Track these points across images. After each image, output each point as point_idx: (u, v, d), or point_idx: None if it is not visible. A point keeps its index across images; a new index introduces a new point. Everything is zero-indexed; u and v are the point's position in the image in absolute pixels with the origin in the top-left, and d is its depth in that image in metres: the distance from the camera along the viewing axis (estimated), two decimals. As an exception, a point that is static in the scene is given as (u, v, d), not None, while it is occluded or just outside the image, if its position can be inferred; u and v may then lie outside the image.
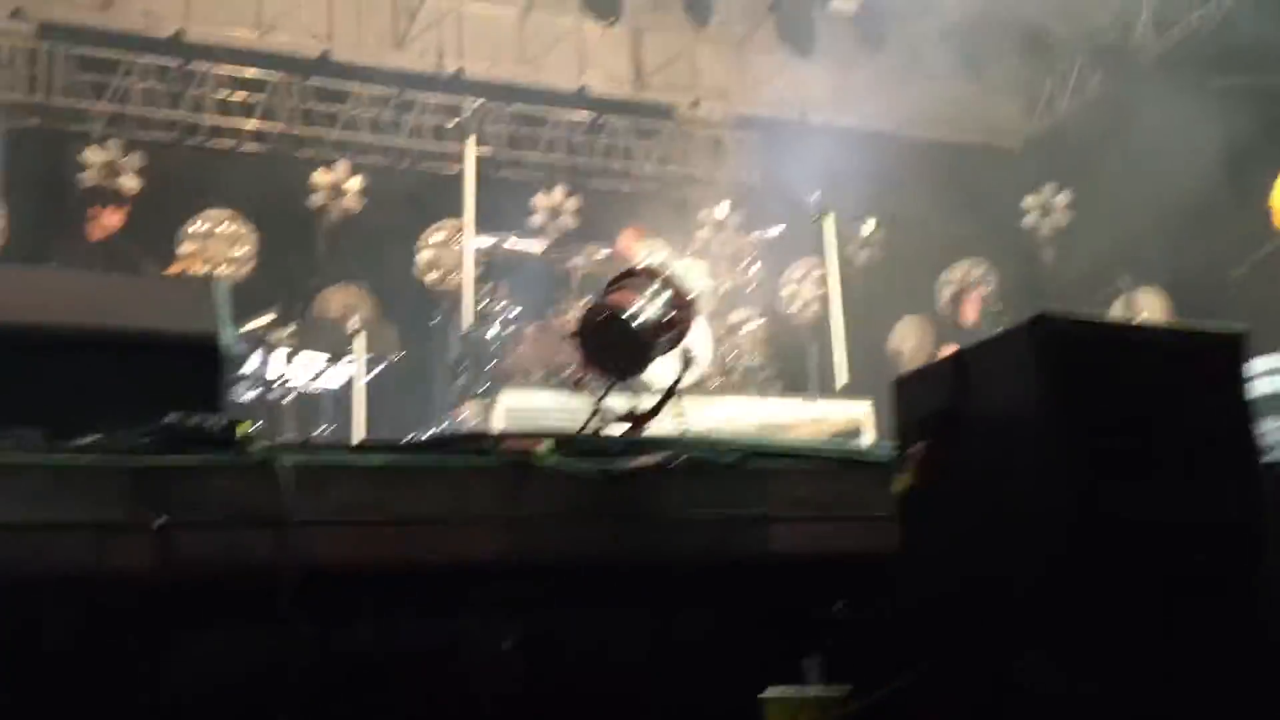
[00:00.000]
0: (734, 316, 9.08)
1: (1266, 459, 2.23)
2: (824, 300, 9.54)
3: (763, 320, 8.87)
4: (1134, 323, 2.15)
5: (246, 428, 2.37)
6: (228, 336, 2.80)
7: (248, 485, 2.28)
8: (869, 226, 11.32)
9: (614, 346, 2.87)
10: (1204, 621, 1.92)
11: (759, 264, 9.09)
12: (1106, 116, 11.10)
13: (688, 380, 7.44)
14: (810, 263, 10.31)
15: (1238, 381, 2.13)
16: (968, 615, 2.11)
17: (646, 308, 2.90)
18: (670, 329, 2.93)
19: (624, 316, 2.86)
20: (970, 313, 9.26)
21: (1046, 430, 1.93)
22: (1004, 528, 2.02)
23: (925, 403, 2.26)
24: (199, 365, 2.73)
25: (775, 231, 9.54)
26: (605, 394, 2.96)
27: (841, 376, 8.45)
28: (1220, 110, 9.46)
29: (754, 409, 7.90)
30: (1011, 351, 2.11)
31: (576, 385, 3.07)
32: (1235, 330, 2.17)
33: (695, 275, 8.44)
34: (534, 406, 6.97)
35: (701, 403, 7.47)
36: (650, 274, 3.00)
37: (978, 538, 2.09)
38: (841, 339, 8.37)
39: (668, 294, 2.94)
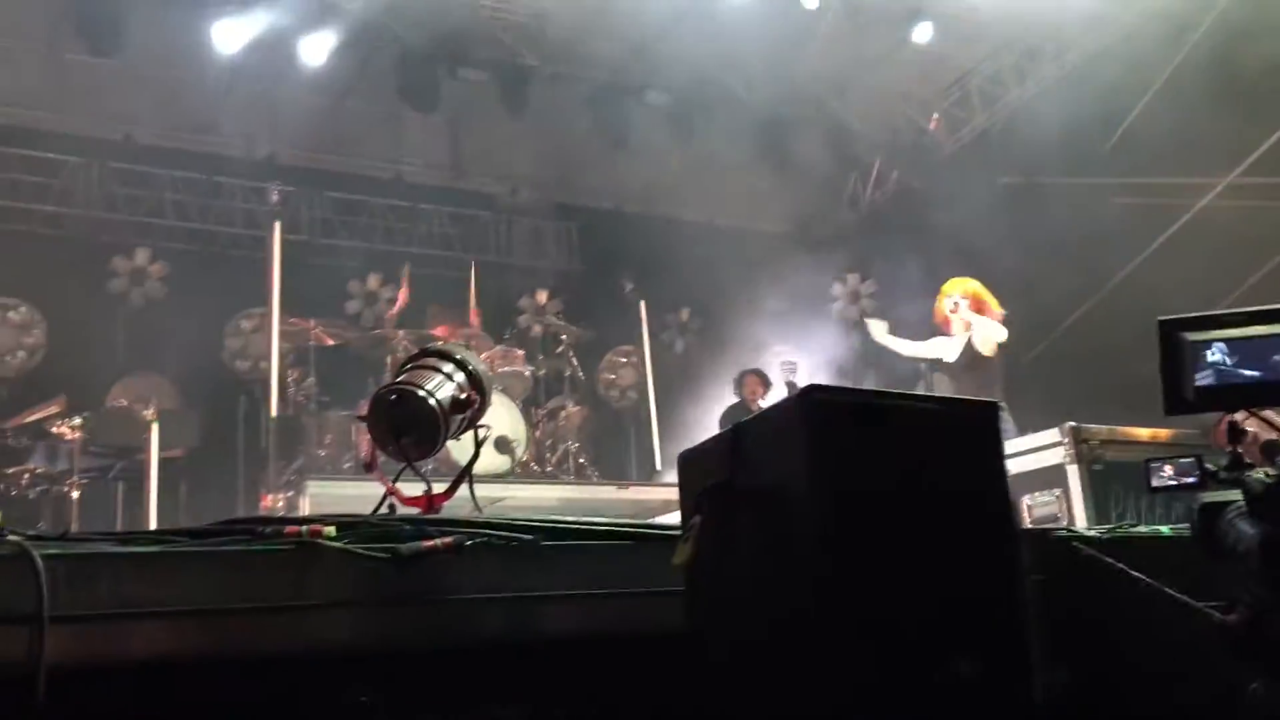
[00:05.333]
0: (552, 403, 9.10)
1: (1025, 525, 2.35)
2: (641, 387, 9.66)
3: (579, 407, 8.90)
4: (898, 392, 2.25)
5: (-1, 522, 2.23)
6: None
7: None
8: (685, 314, 11.62)
9: (406, 427, 2.83)
10: (963, 685, 1.99)
11: (575, 351, 9.15)
12: (906, 209, 11.73)
13: (497, 465, 7.43)
14: (627, 350, 10.43)
15: (995, 450, 2.25)
16: (749, 684, 2.14)
17: (440, 388, 2.88)
18: (464, 409, 2.91)
19: (417, 396, 2.83)
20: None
21: (812, 498, 1.99)
22: (776, 595, 2.07)
23: (706, 477, 2.31)
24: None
25: (592, 319, 9.66)
26: (398, 476, 2.90)
27: (658, 461, 8.55)
28: (1008, 204, 10.14)
29: (570, 495, 7.89)
30: (783, 423, 2.18)
31: (367, 468, 2.99)
32: (990, 401, 2.30)
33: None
34: (343, 496, 6.77)
35: (517, 489, 7.43)
36: (444, 355, 2.97)
37: (753, 606, 2.14)
38: (655, 425, 8.47)
39: (462, 375, 2.92)
